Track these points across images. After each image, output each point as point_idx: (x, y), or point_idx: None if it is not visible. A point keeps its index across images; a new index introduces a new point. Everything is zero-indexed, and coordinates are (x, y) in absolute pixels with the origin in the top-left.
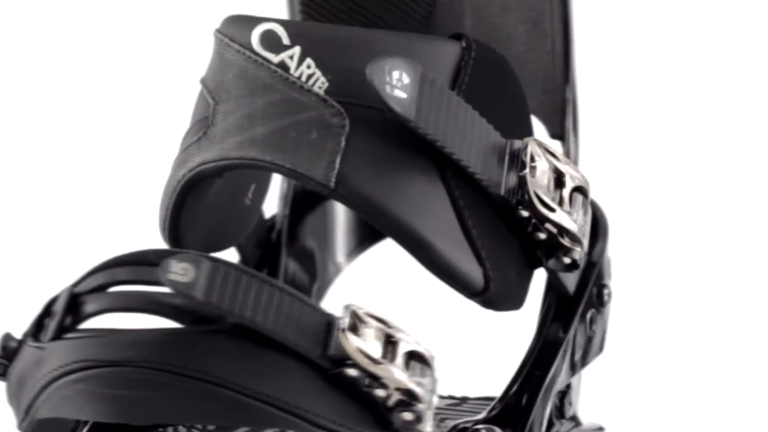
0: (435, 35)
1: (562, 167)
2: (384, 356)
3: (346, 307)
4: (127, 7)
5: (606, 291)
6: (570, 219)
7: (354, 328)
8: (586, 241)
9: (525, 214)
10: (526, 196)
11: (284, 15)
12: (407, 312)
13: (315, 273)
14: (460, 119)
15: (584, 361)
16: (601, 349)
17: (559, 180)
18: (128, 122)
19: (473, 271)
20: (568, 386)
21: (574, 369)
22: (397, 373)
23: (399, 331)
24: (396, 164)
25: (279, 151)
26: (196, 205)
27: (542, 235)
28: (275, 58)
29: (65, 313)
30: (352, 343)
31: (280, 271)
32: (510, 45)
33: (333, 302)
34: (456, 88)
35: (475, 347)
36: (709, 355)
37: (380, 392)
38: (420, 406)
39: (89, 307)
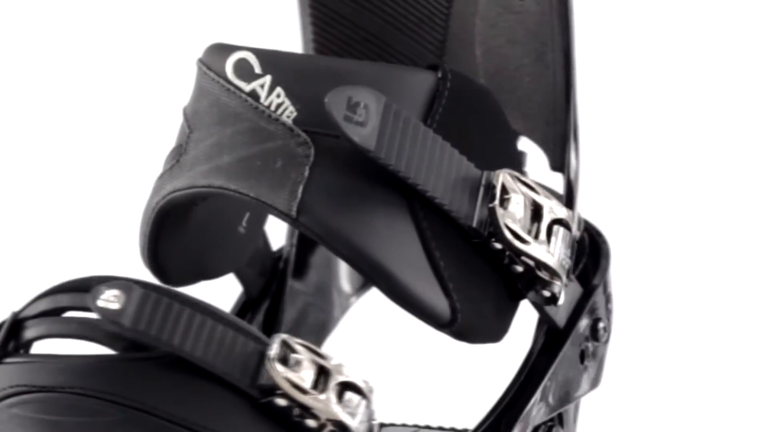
0: (411, 66)
1: (540, 200)
2: (315, 386)
3: (277, 336)
4: (131, 11)
5: (601, 325)
6: (546, 252)
7: (284, 358)
8: (564, 275)
9: (498, 246)
10: (498, 229)
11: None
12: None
13: (324, 305)
14: (426, 150)
15: (566, 398)
16: (594, 385)
17: (536, 212)
18: (124, 132)
19: (438, 303)
20: (558, 419)
21: (549, 405)
22: (327, 404)
23: (332, 362)
24: (360, 194)
25: (243, 180)
26: (177, 232)
27: (519, 268)
28: (247, 87)
29: (6, 338)
30: (280, 372)
31: (284, 299)
32: (518, 76)
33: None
34: (429, 118)
35: (470, 378)
36: (707, 358)
37: (311, 423)
38: None
39: (30, 332)
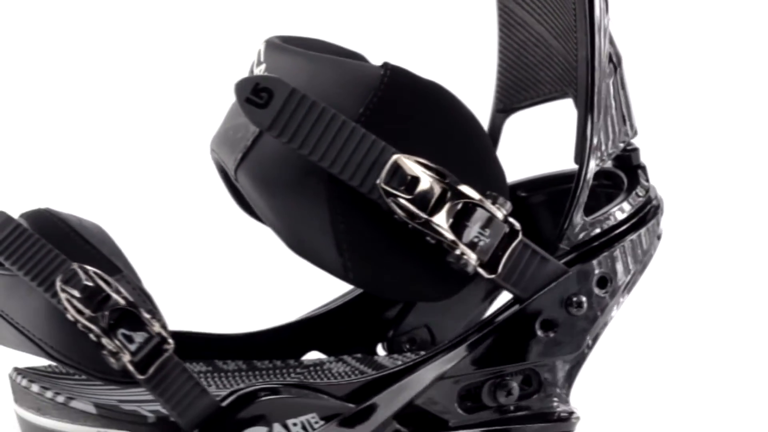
0: (366, 63)
1: (443, 185)
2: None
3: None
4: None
5: (575, 301)
6: (442, 226)
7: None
8: (471, 250)
9: (404, 220)
10: (393, 205)
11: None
12: None
13: None
14: (332, 132)
15: (506, 358)
16: (560, 354)
17: (443, 195)
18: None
19: (331, 260)
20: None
21: (478, 362)
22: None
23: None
24: (287, 160)
25: (218, 144)
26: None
27: (430, 240)
28: (255, 71)
29: None
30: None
31: None
32: None
33: None
34: (363, 107)
35: None
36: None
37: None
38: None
39: None
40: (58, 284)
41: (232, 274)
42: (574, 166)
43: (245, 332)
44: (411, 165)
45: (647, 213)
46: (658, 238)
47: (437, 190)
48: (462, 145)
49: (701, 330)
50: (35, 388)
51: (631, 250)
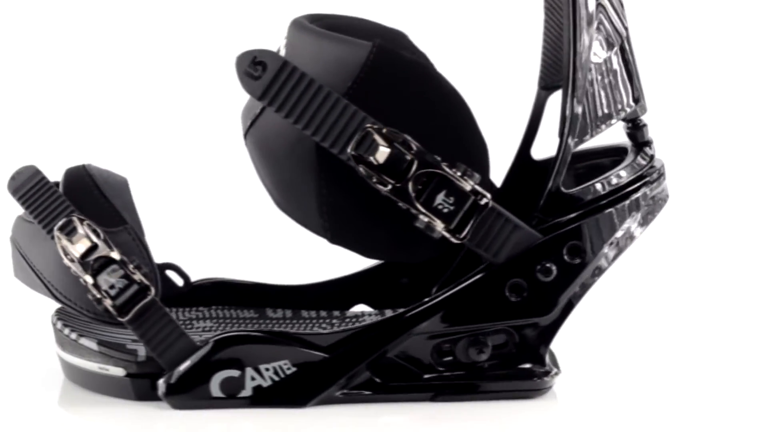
0: (356, 40)
1: (409, 156)
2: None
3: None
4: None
5: (545, 267)
6: (411, 193)
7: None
8: (435, 215)
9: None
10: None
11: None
12: None
13: None
14: (317, 101)
15: (475, 318)
16: (544, 312)
17: (410, 164)
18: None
19: (313, 221)
20: (512, 340)
21: (449, 319)
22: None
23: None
24: (282, 130)
25: (242, 113)
26: None
27: (402, 206)
28: (280, 47)
29: None
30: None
31: None
32: None
33: None
34: (352, 81)
35: None
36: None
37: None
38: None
39: None
40: (55, 231)
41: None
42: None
43: (298, 284)
44: (376, 136)
45: (633, 188)
46: (646, 219)
47: (405, 159)
48: (441, 118)
49: (699, 327)
50: (59, 325)
51: (608, 222)
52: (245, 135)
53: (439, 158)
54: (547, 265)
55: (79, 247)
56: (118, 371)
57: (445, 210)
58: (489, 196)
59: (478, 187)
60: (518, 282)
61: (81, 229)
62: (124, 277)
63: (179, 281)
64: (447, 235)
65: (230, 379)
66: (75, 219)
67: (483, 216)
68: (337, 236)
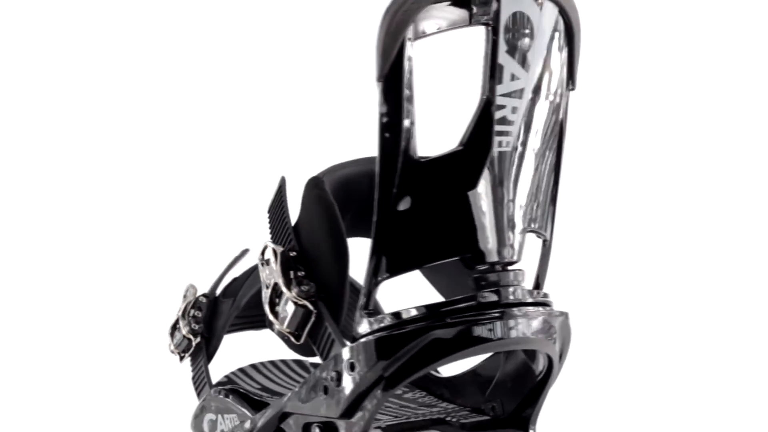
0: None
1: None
2: None
3: None
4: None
5: (335, 374)
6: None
7: None
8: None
9: None
10: None
11: None
12: None
13: None
14: None
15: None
16: (339, 415)
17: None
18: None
19: None
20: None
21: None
22: None
23: None
24: None
25: None
26: None
27: None
28: None
29: None
30: None
31: None
32: None
33: None
34: None
35: None
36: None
37: None
38: None
39: None
40: None
41: None
42: None
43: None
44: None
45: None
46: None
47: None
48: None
49: (700, 327)
50: None
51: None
52: None
53: None
54: (336, 374)
55: None
56: None
57: (284, 318)
58: (313, 309)
59: (304, 301)
60: (325, 384)
61: None
62: None
63: None
64: (291, 338)
65: None
66: None
67: (312, 325)
68: None
